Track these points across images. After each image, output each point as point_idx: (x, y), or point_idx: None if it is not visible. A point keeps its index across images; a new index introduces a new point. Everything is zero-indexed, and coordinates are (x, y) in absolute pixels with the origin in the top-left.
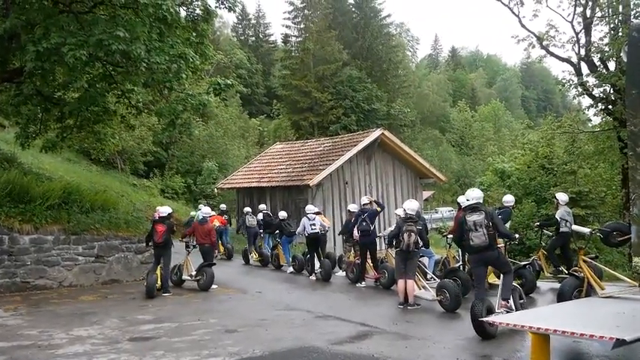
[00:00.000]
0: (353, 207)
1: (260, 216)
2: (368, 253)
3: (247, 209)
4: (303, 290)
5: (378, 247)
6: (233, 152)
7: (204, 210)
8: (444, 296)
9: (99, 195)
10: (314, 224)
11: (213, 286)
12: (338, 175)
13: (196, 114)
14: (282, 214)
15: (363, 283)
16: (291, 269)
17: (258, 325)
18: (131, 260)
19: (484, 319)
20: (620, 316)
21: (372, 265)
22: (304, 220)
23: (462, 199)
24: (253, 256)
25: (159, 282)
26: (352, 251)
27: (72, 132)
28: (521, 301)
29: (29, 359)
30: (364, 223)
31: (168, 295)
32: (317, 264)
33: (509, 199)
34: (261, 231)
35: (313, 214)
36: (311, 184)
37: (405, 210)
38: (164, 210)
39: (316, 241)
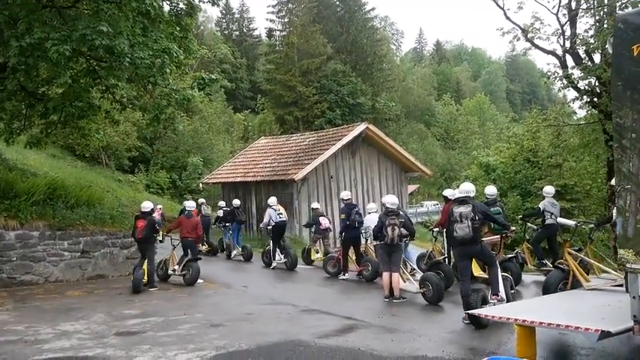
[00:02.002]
0: (346, 194)
1: (220, 213)
2: (352, 246)
3: (201, 200)
4: (288, 285)
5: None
6: (218, 147)
7: (189, 204)
8: (427, 289)
9: (84, 191)
10: (281, 213)
11: (199, 281)
12: (323, 170)
13: (181, 109)
14: (236, 202)
15: (347, 274)
16: (240, 257)
17: (243, 319)
18: (117, 255)
19: (470, 312)
20: (606, 308)
21: (353, 258)
22: (270, 211)
23: (447, 192)
24: (203, 247)
25: (145, 277)
26: (319, 243)
27: (56, 128)
28: (513, 291)
29: (16, 354)
30: (357, 216)
31: (154, 290)
32: (279, 255)
33: (490, 191)
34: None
35: (278, 205)
36: (296, 179)
37: (385, 205)
38: (146, 205)
39: (282, 230)
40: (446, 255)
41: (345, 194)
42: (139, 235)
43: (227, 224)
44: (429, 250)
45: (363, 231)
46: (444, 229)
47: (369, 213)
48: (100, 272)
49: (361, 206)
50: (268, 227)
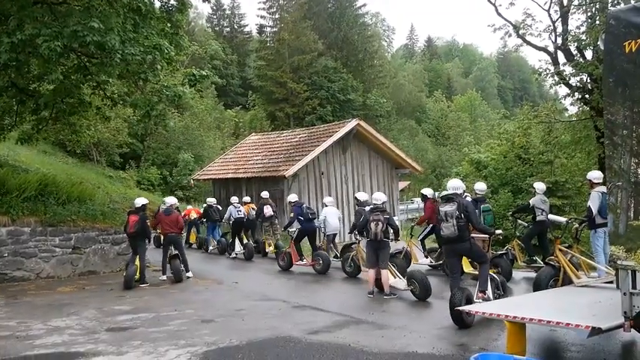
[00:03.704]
0: (362, 196)
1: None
2: (307, 237)
3: (211, 200)
4: (279, 281)
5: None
6: (209, 143)
7: (169, 200)
8: (414, 286)
9: (75, 187)
10: (240, 210)
11: (189, 275)
12: (314, 166)
13: (172, 105)
14: (210, 201)
15: (300, 262)
16: (215, 250)
17: (234, 315)
18: (108, 252)
19: (461, 308)
20: (596, 304)
21: (297, 251)
22: (230, 208)
23: (426, 191)
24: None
25: (137, 273)
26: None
27: (47, 124)
28: (499, 292)
29: (8, 350)
30: (309, 210)
31: (145, 285)
32: (238, 246)
33: (480, 187)
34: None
35: (238, 203)
36: (287, 175)
37: (357, 198)
38: (138, 201)
39: (240, 226)
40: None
41: (292, 197)
42: (130, 229)
43: (203, 220)
44: (405, 246)
45: (318, 223)
46: (429, 226)
47: (326, 206)
48: (91, 268)
49: (352, 202)
50: (230, 222)
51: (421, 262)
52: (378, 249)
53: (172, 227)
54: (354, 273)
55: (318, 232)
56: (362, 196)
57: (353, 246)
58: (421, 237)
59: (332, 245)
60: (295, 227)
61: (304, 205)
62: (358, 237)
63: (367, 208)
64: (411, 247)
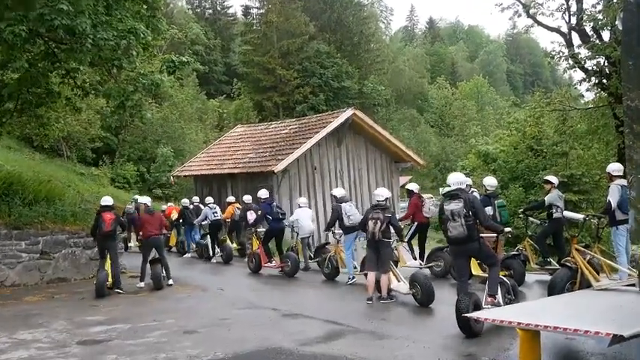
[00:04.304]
0: (339, 192)
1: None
2: (274, 238)
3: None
4: (268, 287)
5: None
6: (190, 137)
7: (144, 200)
8: (416, 289)
9: (43, 185)
10: (216, 212)
11: (170, 282)
12: (306, 160)
13: (149, 95)
14: (185, 202)
15: (269, 264)
16: (193, 254)
17: (219, 325)
18: (79, 256)
19: (468, 315)
20: (618, 309)
21: (265, 253)
22: (206, 209)
23: (412, 186)
24: (131, 244)
25: (110, 279)
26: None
27: (12, 117)
28: (510, 296)
29: None
30: (278, 209)
31: (121, 292)
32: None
33: (491, 182)
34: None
35: (214, 204)
36: (276, 171)
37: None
38: (108, 199)
39: (217, 228)
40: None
41: (262, 193)
42: (107, 227)
43: (180, 221)
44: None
45: (287, 224)
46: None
47: (299, 207)
48: (61, 275)
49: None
50: (203, 223)
51: (410, 265)
52: (378, 250)
53: (156, 229)
54: (332, 275)
55: (299, 233)
56: (338, 192)
57: (328, 246)
58: (408, 237)
59: (307, 248)
60: (264, 227)
61: (274, 204)
62: (336, 236)
63: (345, 205)
64: (399, 249)
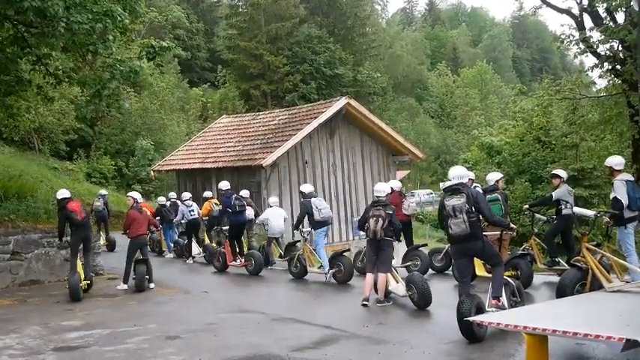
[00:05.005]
0: (307, 187)
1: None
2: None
3: (102, 192)
4: (256, 289)
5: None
6: (171, 128)
7: (133, 194)
8: (412, 291)
9: (13, 181)
10: (192, 210)
11: (151, 286)
12: (296, 153)
13: (127, 83)
14: (161, 200)
15: (235, 263)
16: (172, 254)
17: (204, 330)
18: (53, 257)
19: (471, 318)
20: (631, 313)
21: (231, 250)
22: (182, 207)
23: (393, 184)
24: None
25: (83, 281)
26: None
27: None
28: (515, 299)
29: None
30: (237, 202)
31: (95, 293)
32: (195, 249)
33: (492, 176)
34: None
35: (190, 201)
36: (264, 165)
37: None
38: (65, 192)
39: (196, 227)
40: None
41: (223, 184)
42: (80, 215)
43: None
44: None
45: (258, 222)
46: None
47: (270, 206)
48: (33, 277)
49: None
50: (182, 222)
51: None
52: (378, 249)
53: (145, 227)
54: (300, 274)
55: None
56: (306, 187)
57: (297, 244)
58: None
59: (275, 246)
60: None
61: (234, 196)
62: (304, 234)
63: (314, 199)
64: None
